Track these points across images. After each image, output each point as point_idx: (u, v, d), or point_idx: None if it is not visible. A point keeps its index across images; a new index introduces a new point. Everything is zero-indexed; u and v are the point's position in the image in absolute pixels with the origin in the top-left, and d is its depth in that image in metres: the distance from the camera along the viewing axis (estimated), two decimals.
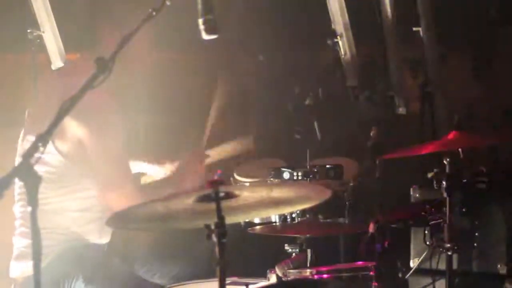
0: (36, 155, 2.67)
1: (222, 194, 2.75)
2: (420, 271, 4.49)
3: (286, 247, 4.00)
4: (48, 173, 3.69)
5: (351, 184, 4.20)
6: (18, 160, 3.91)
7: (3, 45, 5.22)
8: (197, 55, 5.45)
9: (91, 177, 3.83)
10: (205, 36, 3.20)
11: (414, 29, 5.25)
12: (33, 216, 2.57)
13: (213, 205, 2.72)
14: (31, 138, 3.81)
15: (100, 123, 3.75)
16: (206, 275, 3.89)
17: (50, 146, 3.57)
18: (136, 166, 4.38)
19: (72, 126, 3.70)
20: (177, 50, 5.50)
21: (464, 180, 4.05)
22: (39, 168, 2.66)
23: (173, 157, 4.44)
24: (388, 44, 5.31)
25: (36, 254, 2.60)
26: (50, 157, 3.71)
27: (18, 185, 3.75)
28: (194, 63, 5.56)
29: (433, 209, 4.02)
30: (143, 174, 4.50)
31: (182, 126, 5.53)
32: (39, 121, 3.76)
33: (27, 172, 2.62)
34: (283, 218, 4.07)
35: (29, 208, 2.57)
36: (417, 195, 4.64)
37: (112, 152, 3.79)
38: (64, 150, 3.76)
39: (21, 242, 3.86)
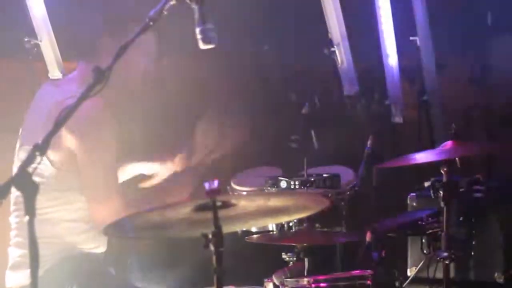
0: (34, 164, 2.67)
1: (219, 203, 2.76)
2: (417, 280, 4.48)
3: (283, 256, 4.00)
4: (41, 184, 3.68)
5: (348, 193, 4.20)
6: (15, 168, 3.91)
7: (0, 53, 5.22)
8: (193, 64, 5.45)
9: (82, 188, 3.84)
10: (202, 46, 3.20)
11: (411, 38, 5.26)
12: (31, 225, 2.57)
13: (210, 214, 2.73)
14: (27, 148, 3.81)
15: (93, 134, 3.75)
16: (203, 283, 3.89)
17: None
18: (138, 168, 4.37)
19: (65, 137, 3.69)
20: (173, 58, 5.50)
21: (461, 189, 4.04)
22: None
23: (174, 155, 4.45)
24: (385, 53, 5.31)
25: (33, 264, 2.59)
26: (42, 167, 3.70)
27: (14, 195, 3.74)
28: (190, 71, 5.56)
29: (430, 218, 4.02)
30: (142, 175, 4.50)
31: (178, 133, 5.53)
32: (35, 130, 3.77)
33: (24, 181, 2.62)
34: (280, 227, 4.07)
35: (27, 217, 2.57)
36: (414, 204, 4.64)
37: (102, 164, 3.78)
38: (55, 160, 3.75)
39: (16, 252, 3.86)
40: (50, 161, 3.74)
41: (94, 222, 3.81)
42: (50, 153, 3.71)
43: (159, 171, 4.43)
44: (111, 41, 3.84)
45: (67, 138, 3.69)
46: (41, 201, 3.65)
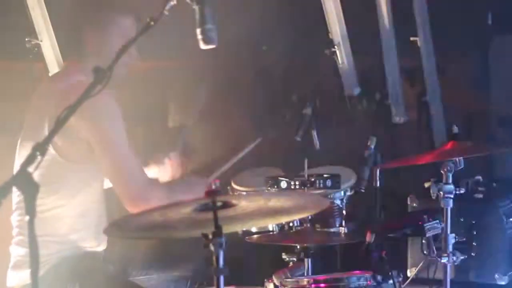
0: (34, 163, 2.67)
1: (219, 204, 2.76)
2: (417, 280, 4.49)
3: (284, 256, 4.00)
4: (44, 177, 3.67)
5: (348, 193, 4.20)
6: (16, 168, 3.91)
7: (1, 53, 5.23)
8: (193, 63, 5.45)
9: (88, 182, 3.83)
10: (203, 46, 3.21)
11: (412, 38, 5.26)
12: (31, 226, 2.57)
13: (210, 215, 2.73)
14: (28, 145, 3.82)
15: (108, 126, 3.73)
16: (204, 283, 3.89)
17: (50, 149, 3.57)
18: None
19: (80, 129, 3.68)
20: (173, 58, 5.50)
21: (462, 190, 4.05)
22: (35, 172, 2.66)
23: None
24: (386, 54, 5.32)
25: (34, 264, 2.59)
26: (48, 160, 3.69)
27: (16, 194, 3.74)
28: (190, 71, 5.56)
29: (430, 219, 4.02)
30: None
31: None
32: (35, 128, 3.77)
33: (25, 181, 2.62)
34: (280, 227, 4.07)
35: (27, 217, 2.57)
36: (415, 204, 4.64)
37: (121, 157, 3.76)
38: (70, 154, 3.75)
39: (18, 251, 3.86)
40: (64, 155, 3.73)
41: (104, 218, 3.82)
42: (62, 144, 3.70)
43: (157, 174, 4.44)
44: (94, 33, 3.85)
45: (83, 130, 3.68)
46: (44, 196, 3.68)
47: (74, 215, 3.84)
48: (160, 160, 4.41)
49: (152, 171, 4.38)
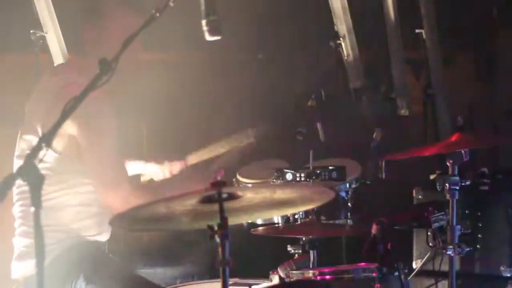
0: (40, 155, 2.67)
1: (225, 195, 2.75)
2: (423, 272, 4.49)
3: (289, 248, 4.00)
4: (44, 169, 3.67)
5: (354, 185, 4.20)
6: (16, 159, 3.91)
7: (7, 46, 5.23)
8: (198, 56, 5.45)
9: (87, 173, 3.83)
10: (208, 38, 3.19)
11: (417, 31, 5.26)
12: (36, 216, 2.57)
13: (216, 206, 2.72)
14: (28, 137, 3.82)
15: (94, 123, 3.74)
16: (208, 276, 3.89)
17: None
18: (135, 167, 4.39)
19: (66, 124, 3.68)
20: (178, 51, 5.50)
21: (467, 182, 4.04)
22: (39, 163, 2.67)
23: (172, 157, 4.47)
24: (391, 46, 5.31)
25: (39, 255, 2.60)
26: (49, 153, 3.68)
27: (16, 185, 3.73)
28: (195, 63, 5.56)
29: (436, 211, 4.01)
30: (142, 175, 4.51)
31: (185, 127, 5.53)
32: (35, 120, 3.77)
33: (30, 172, 2.62)
34: (285, 219, 4.07)
35: (32, 208, 2.57)
36: (420, 196, 4.64)
37: (106, 153, 3.78)
38: (57, 147, 3.75)
39: (21, 242, 3.85)
40: (51, 147, 3.73)
41: (109, 210, 3.82)
42: (55, 140, 3.71)
43: (155, 173, 4.47)
44: (93, 32, 3.85)
45: (68, 124, 3.68)
46: (45, 187, 3.67)
47: (76, 205, 3.84)
48: (160, 160, 4.46)
49: (149, 168, 4.43)
